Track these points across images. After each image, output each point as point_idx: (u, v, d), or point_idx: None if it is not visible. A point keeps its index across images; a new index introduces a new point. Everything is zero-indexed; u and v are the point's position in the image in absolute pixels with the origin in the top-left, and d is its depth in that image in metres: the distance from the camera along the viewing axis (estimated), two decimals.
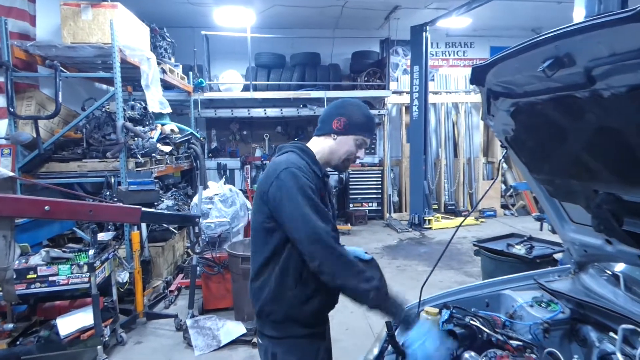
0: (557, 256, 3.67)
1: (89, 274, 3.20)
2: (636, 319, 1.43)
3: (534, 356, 1.51)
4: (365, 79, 8.71)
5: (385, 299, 1.53)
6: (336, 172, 8.82)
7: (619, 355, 1.42)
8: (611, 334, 1.57)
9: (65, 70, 4.72)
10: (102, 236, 3.68)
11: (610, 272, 1.84)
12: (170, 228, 5.46)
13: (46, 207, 2.29)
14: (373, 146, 9.66)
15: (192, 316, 3.98)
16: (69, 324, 3.32)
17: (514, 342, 1.61)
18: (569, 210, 1.86)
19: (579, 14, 3.49)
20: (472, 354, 1.52)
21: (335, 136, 1.71)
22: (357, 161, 1.81)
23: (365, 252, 1.80)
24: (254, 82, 8.12)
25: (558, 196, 1.80)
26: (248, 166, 8.85)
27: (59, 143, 4.75)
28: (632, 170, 1.29)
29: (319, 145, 1.76)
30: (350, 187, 9.06)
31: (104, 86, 6.43)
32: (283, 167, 1.58)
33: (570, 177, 1.60)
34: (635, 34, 0.91)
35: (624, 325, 1.43)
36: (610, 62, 1.02)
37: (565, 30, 1.08)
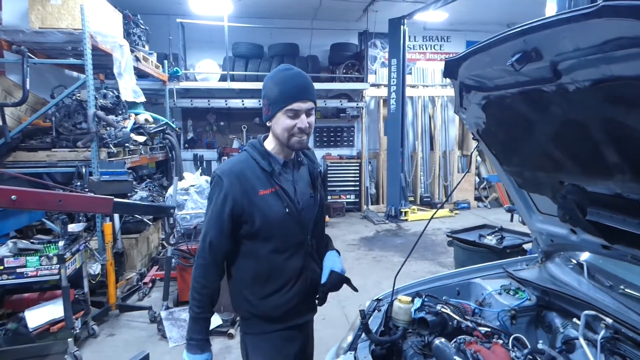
0: (527, 246, 3.79)
1: (58, 265, 3.12)
2: (598, 306, 1.49)
3: (501, 342, 1.56)
4: (344, 71, 8.70)
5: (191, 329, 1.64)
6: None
7: (581, 340, 1.48)
8: (575, 320, 1.64)
9: (33, 56, 4.54)
10: (73, 227, 3.58)
11: (575, 261, 1.92)
12: (145, 219, 5.36)
13: (13, 197, 2.21)
14: (351, 138, 9.70)
15: (167, 308, 3.93)
16: (37, 316, 3.24)
17: (483, 329, 1.67)
18: (537, 201, 1.92)
19: (550, 10, 3.57)
20: (443, 340, 1.55)
21: (269, 122, 1.63)
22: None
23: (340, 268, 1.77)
24: (231, 72, 8.01)
25: (526, 187, 1.86)
26: (225, 158, 8.75)
27: (27, 132, 4.57)
28: (594, 163, 1.34)
29: (270, 136, 1.70)
30: (329, 179, 9.09)
31: (75, 73, 6.22)
32: (215, 170, 1.66)
33: (537, 168, 1.65)
34: (597, 30, 0.95)
35: (586, 312, 1.50)
36: (575, 56, 1.06)
37: (532, 25, 1.11)
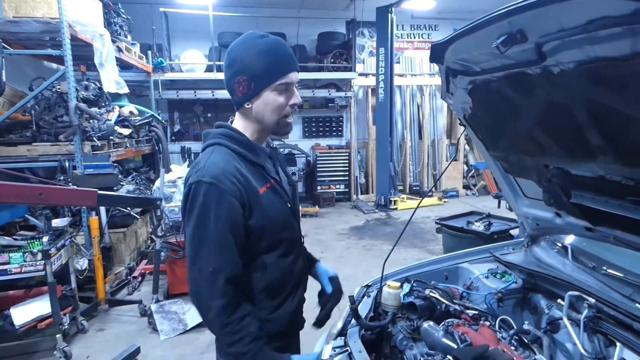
0: (514, 232, 3.84)
1: (43, 261, 3.06)
2: (581, 286, 1.52)
3: (488, 323, 1.59)
4: (332, 60, 8.66)
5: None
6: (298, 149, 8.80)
7: (565, 320, 1.51)
8: (559, 301, 1.66)
9: (8, 47, 4.40)
10: (57, 222, 3.52)
11: (560, 244, 1.94)
12: (132, 213, 5.30)
13: None
14: (340, 128, 9.68)
15: (157, 301, 3.92)
16: (24, 313, 3.19)
17: (470, 312, 1.69)
18: (523, 186, 1.94)
19: None
20: (431, 323, 1.57)
21: (249, 103, 1.31)
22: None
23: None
24: (217, 63, 7.90)
25: (512, 172, 1.87)
26: None
27: (5, 126, 4.44)
28: (578, 145, 1.35)
29: (243, 122, 1.38)
30: (318, 169, 9.08)
31: (54, 65, 6.06)
32: (195, 179, 1.24)
33: (523, 153, 1.66)
34: (581, 9, 0.94)
35: (570, 292, 1.52)
36: (559, 37, 1.05)
37: (518, 6, 1.10)
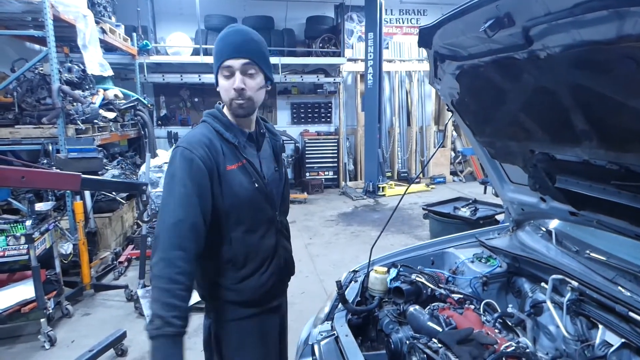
0: (499, 217, 3.89)
1: (27, 245, 3.02)
2: (565, 270, 1.54)
3: (472, 307, 1.61)
4: (320, 45, 8.56)
5: (156, 334, 1.22)
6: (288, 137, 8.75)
7: (548, 302, 1.54)
8: (543, 284, 1.70)
9: None
10: (41, 206, 3.46)
11: (544, 229, 1.97)
12: (118, 198, 5.24)
13: None
14: (329, 114, 9.63)
15: (144, 286, 3.89)
16: (7, 297, 3.15)
17: (456, 296, 1.71)
18: (509, 171, 1.95)
19: None
20: (417, 307, 1.59)
21: (217, 86, 1.49)
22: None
23: None
24: (204, 46, 7.75)
25: (499, 157, 1.89)
26: None
27: None
28: (563, 130, 1.36)
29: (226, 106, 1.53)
30: (307, 156, 9.05)
31: (37, 46, 5.88)
32: (176, 145, 1.44)
33: (509, 138, 1.67)
34: None
35: (554, 276, 1.55)
36: (546, 21, 1.05)
37: None
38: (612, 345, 1.30)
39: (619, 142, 1.21)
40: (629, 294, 1.34)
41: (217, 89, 1.48)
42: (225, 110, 1.52)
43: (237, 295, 1.50)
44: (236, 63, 1.41)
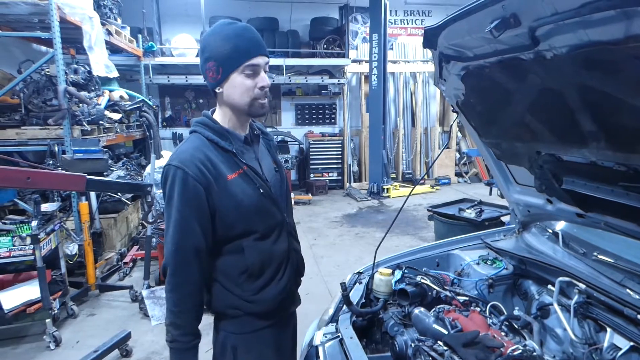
0: (505, 219, 3.87)
1: (32, 246, 3.04)
2: (572, 272, 1.53)
3: (478, 309, 1.60)
4: (325, 46, 8.56)
5: (169, 346, 1.35)
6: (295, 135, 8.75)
7: (555, 305, 1.52)
8: (549, 286, 1.68)
9: None
10: (47, 207, 3.48)
11: (551, 231, 1.95)
12: (123, 199, 5.26)
13: None
14: (333, 116, 9.63)
15: (148, 287, 3.91)
16: (12, 297, 3.17)
17: (461, 298, 1.70)
18: (514, 173, 1.94)
19: None
20: (422, 309, 1.58)
21: (219, 88, 1.37)
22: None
23: None
24: None
25: (504, 159, 1.87)
26: None
27: None
28: (570, 131, 1.35)
29: (219, 109, 1.44)
30: (311, 157, 9.05)
31: (43, 48, 5.93)
32: (167, 162, 1.34)
33: (515, 139, 1.66)
34: None
35: (560, 278, 1.53)
36: (553, 21, 1.04)
37: None
38: (620, 349, 1.28)
39: (627, 143, 1.20)
40: (637, 296, 1.32)
41: (218, 89, 1.37)
42: (220, 117, 1.43)
43: (258, 307, 1.44)
44: (262, 60, 1.35)
